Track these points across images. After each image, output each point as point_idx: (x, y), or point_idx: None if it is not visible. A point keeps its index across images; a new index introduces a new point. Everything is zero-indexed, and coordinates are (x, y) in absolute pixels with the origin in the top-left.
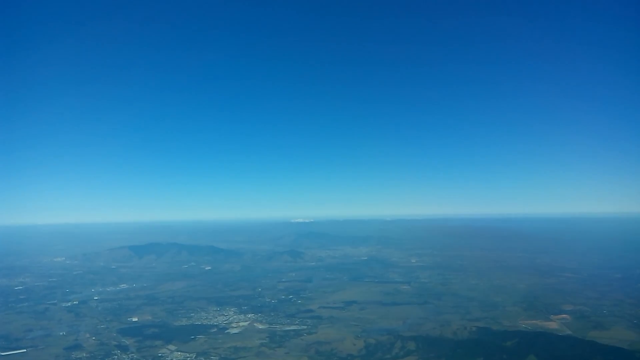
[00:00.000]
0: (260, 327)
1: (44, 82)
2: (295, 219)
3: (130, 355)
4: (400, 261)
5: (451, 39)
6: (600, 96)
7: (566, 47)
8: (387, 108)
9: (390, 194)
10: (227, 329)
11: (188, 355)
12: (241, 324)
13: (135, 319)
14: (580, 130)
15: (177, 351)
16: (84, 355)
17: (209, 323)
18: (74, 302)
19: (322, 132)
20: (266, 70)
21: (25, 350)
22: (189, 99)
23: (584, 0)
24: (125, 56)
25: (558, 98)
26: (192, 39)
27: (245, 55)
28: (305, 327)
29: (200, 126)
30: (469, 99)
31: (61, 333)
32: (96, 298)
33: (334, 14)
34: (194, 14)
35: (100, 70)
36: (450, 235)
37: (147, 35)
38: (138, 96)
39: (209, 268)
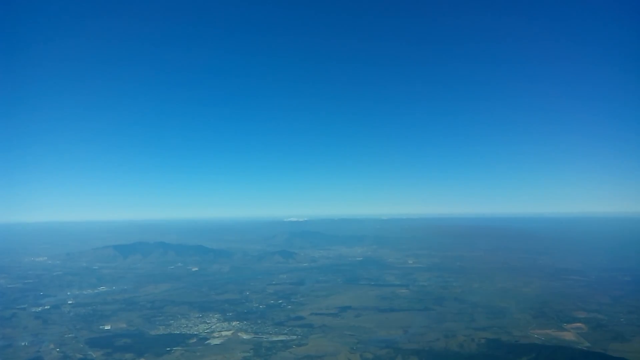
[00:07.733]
0: (245, 337)
1: (33, 80)
2: (288, 218)
3: None
4: (397, 262)
5: (451, 38)
6: (600, 96)
7: (566, 47)
8: (383, 106)
9: (387, 193)
10: (208, 339)
11: None
12: (224, 333)
13: (107, 327)
14: (580, 129)
15: None
16: None
17: (188, 332)
18: (45, 307)
19: (316, 129)
20: (260, 68)
21: None
22: (179, 96)
23: (584, 0)
24: (117, 53)
25: (558, 97)
26: (184, 35)
27: (240, 52)
28: (294, 337)
29: (191, 123)
30: (466, 98)
31: (23, 343)
32: (70, 302)
33: (331, 12)
34: (193, 11)
35: (93, 68)
36: (448, 235)
37: (141, 32)
38: (128, 94)
39: (196, 269)
